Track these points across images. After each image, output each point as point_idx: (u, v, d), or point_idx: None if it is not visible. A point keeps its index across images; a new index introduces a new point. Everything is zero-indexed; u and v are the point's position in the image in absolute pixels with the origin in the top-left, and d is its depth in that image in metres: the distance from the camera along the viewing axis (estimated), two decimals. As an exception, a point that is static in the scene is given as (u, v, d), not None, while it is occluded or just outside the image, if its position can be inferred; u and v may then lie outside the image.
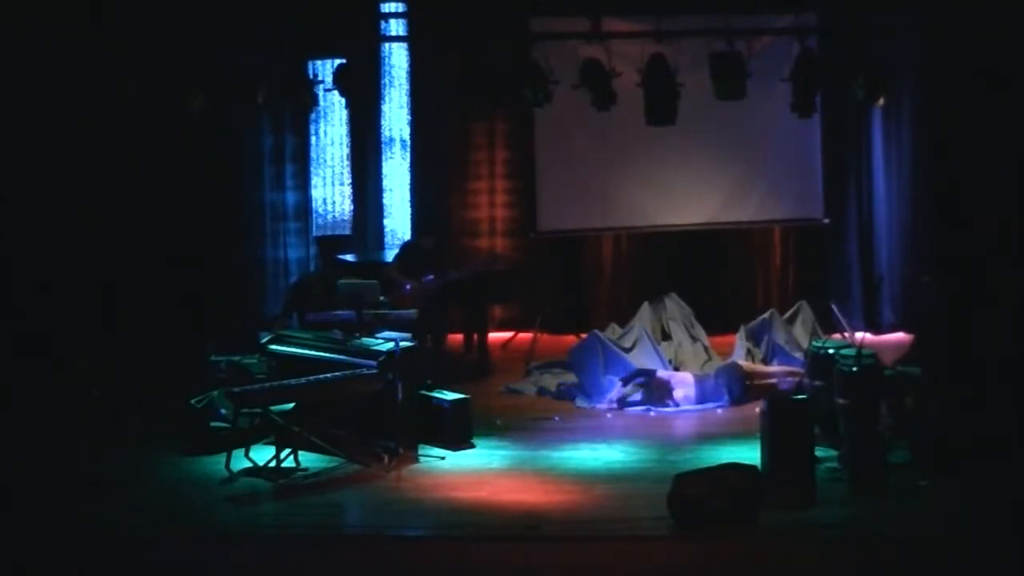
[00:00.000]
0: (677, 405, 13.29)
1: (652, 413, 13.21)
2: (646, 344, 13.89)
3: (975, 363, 11.59)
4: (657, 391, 13.30)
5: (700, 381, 13.45)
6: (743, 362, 13.78)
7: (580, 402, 13.50)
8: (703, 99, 13.66)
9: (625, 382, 13.38)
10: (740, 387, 13.38)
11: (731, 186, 15.78)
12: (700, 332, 14.49)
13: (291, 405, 11.47)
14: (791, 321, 14.41)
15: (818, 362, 11.82)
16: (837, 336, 13.41)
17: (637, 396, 13.31)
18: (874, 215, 16.03)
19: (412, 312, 13.81)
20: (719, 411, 13.24)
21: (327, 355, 12.13)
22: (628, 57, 13.59)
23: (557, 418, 13.10)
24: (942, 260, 14.71)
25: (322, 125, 16.26)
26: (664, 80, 13.33)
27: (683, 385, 13.42)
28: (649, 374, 13.44)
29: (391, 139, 16.52)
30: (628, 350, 13.83)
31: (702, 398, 13.35)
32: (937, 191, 15.24)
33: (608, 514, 10.42)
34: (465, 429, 12.18)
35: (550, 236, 15.99)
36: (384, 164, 16.51)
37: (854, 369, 11.07)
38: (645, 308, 14.56)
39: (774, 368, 13.70)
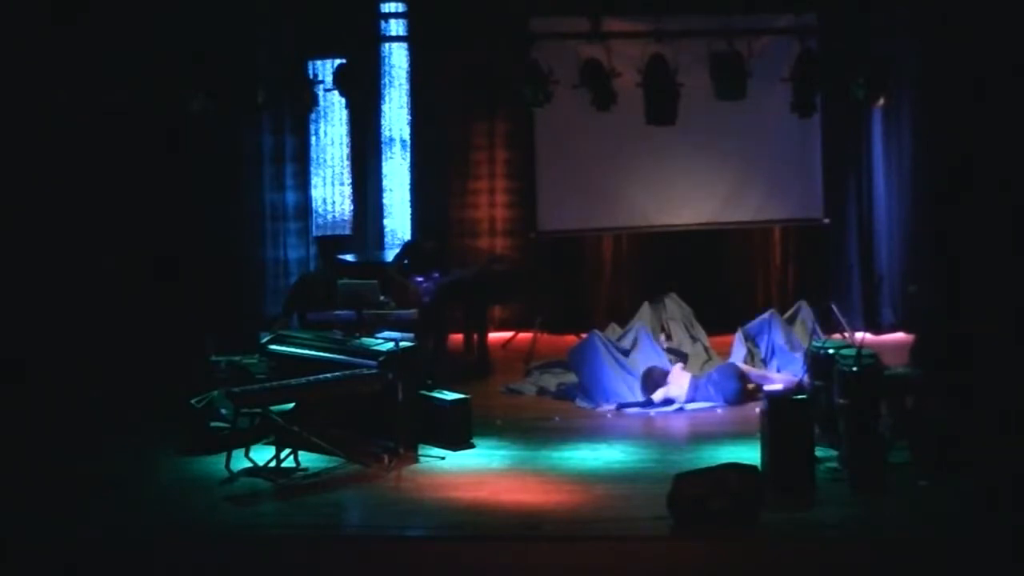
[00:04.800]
0: (671, 402, 13.28)
1: (652, 413, 13.22)
2: (646, 343, 13.88)
3: (975, 363, 11.57)
4: (651, 379, 13.31)
5: (695, 380, 13.45)
6: (741, 363, 13.79)
7: (580, 402, 13.50)
8: (703, 99, 13.65)
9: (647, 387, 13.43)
10: (736, 388, 13.39)
11: (731, 186, 15.77)
12: (700, 332, 14.49)
13: (291, 405, 11.48)
14: (791, 321, 14.41)
15: (818, 362, 11.82)
16: (837, 336, 13.41)
17: (640, 398, 13.33)
18: (874, 215, 16.03)
19: (412, 312, 13.83)
20: (719, 411, 13.25)
21: (327, 355, 12.13)
22: (628, 57, 13.59)
23: (557, 418, 13.10)
24: (937, 265, 14.74)
25: (322, 125, 16.26)
26: (664, 80, 13.33)
27: (679, 383, 13.42)
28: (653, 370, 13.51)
29: (391, 139, 16.52)
30: (628, 350, 13.82)
31: (696, 397, 13.35)
32: (937, 191, 15.25)
33: (608, 514, 10.42)
34: (465, 429, 12.18)
35: (550, 236, 15.98)
36: (384, 164, 16.51)
37: (854, 369, 11.07)
38: (645, 308, 14.57)
39: (774, 374, 13.70)
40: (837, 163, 15.92)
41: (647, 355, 13.75)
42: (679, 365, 13.70)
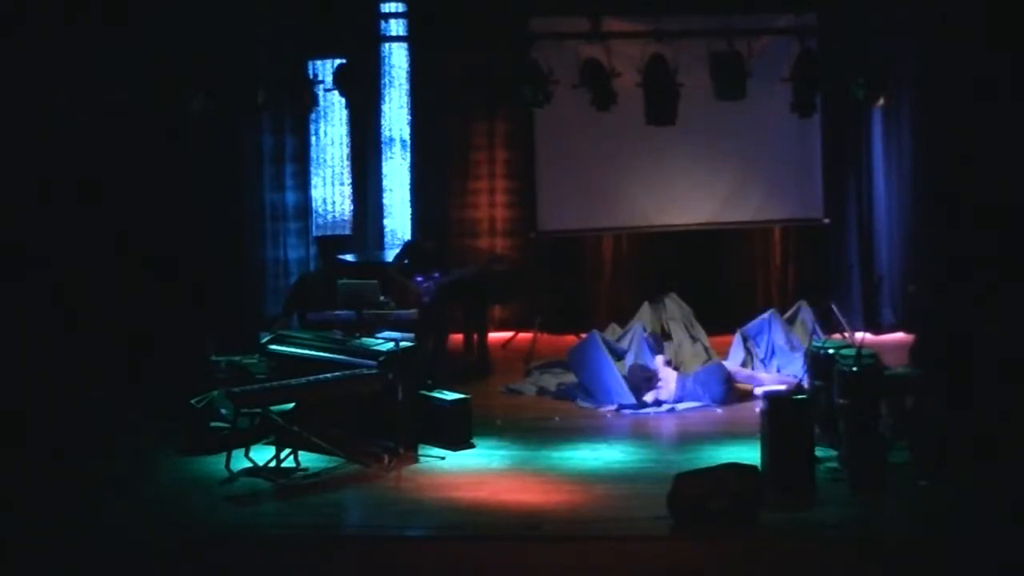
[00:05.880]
0: (659, 404, 13.28)
1: (651, 413, 13.22)
2: (642, 346, 13.87)
3: (975, 363, 11.58)
4: (638, 376, 13.31)
5: (682, 379, 13.45)
6: (730, 363, 13.80)
7: (581, 402, 13.50)
8: (703, 99, 13.65)
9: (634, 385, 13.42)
10: (723, 389, 13.38)
11: (731, 186, 15.77)
12: (700, 332, 14.46)
13: (291, 405, 11.48)
14: (790, 321, 14.41)
15: (818, 362, 11.82)
16: (837, 336, 13.41)
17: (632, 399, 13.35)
18: (874, 215, 16.04)
19: (412, 312, 13.83)
20: (718, 411, 13.25)
21: (327, 355, 12.13)
22: (628, 57, 13.58)
23: (557, 418, 13.10)
24: (936, 265, 14.75)
25: (322, 125, 16.26)
26: (664, 80, 13.32)
27: (666, 382, 13.43)
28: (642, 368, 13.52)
29: (391, 139, 16.52)
30: (625, 351, 13.82)
31: (684, 397, 13.35)
32: (937, 191, 15.26)
33: (608, 514, 10.42)
34: (465, 429, 12.18)
35: (550, 236, 15.98)
36: (384, 164, 16.51)
37: (854, 369, 11.07)
38: (645, 308, 14.55)
39: (763, 374, 13.72)
40: (837, 163, 15.92)
41: (642, 357, 13.75)
42: (661, 358, 13.68)
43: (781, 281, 16.33)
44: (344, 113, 16.04)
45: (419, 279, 14.29)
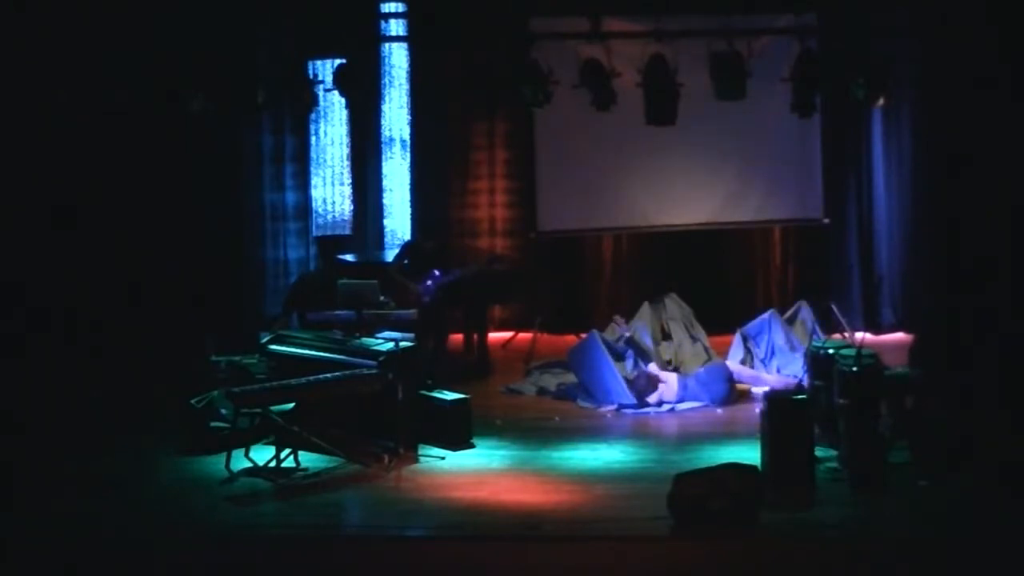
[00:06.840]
0: (660, 404, 13.29)
1: (651, 413, 13.22)
2: (643, 342, 13.90)
3: (975, 363, 11.58)
4: (643, 382, 13.32)
5: (683, 379, 13.45)
6: (732, 363, 13.79)
7: (582, 402, 13.50)
8: (703, 99, 13.64)
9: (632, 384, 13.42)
10: (724, 389, 13.38)
11: (731, 186, 15.77)
12: (700, 332, 14.47)
13: (291, 405, 11.48)
14: (790, 321, 14.41)
15: (818, 362, 11.82)
16: (837, 336, 13.41)
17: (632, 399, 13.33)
18: (874, 215, 16.04)
19: (412, 312, 13.84)
20: (718, 411, 13.25)
21: (327, 355, 12.13)
22: (628, 57, 13.58)
23: (557, 418, 13.10)
24: (936, 265, 14.75)
25: (322, 125, 16.26)
26: (664, 80, 13.32)
27: (667, 382, 13.44)
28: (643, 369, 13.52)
29: (391, 139, 16.52)
30: (624, 352, 13.82)
31: (685, 397, 13.35)
32: (937, 191, 15.25)
33: (608, 514, 10.42)
34: (465, 429, 12.18)
35: (550, 236, 15.98)
36: (384, 164, 16.51)
37: (854, 369, 11.07)
38: (645, 308, 14.55)
39: (766, 375, 13.71)
40: (837, 163, 15.92)
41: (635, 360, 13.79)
42: (653, 365, 13.67)
43: (781, 281, 16.33)
44: (344, 113, 16.05)
45: (421, 283, 14.24)
